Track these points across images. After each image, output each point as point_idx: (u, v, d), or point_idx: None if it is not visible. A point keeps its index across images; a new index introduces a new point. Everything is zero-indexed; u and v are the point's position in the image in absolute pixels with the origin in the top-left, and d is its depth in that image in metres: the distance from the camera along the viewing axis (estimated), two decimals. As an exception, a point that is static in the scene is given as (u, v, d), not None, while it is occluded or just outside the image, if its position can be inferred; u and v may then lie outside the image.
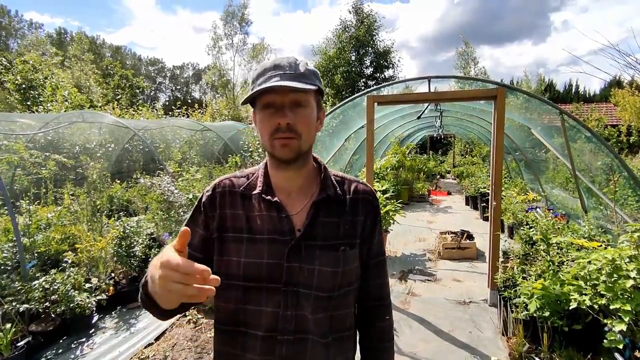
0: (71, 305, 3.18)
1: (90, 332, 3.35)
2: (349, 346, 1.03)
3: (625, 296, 2.10)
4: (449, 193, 11.96)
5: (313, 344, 0.94)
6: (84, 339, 3.22)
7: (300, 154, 0.94)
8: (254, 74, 0.94)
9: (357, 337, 1.10)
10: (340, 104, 4.92)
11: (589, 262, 2.41)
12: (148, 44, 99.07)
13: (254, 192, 0.99)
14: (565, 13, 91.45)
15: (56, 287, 3.21)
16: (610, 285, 2.18)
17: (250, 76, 0.97)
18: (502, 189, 7.58)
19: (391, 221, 5.53)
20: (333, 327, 0.97)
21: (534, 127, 6.09)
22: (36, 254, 3.81)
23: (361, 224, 1.02)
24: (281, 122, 0.88)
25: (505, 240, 4.97)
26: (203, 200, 1.01)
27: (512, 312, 2.96)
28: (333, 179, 1.05)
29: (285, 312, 0.92)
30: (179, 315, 3.59)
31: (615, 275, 2.19)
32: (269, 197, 0.97)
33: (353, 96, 4.74)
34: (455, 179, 15.26)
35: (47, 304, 3.15)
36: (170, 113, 14.47)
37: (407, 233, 6.75)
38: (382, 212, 5.32)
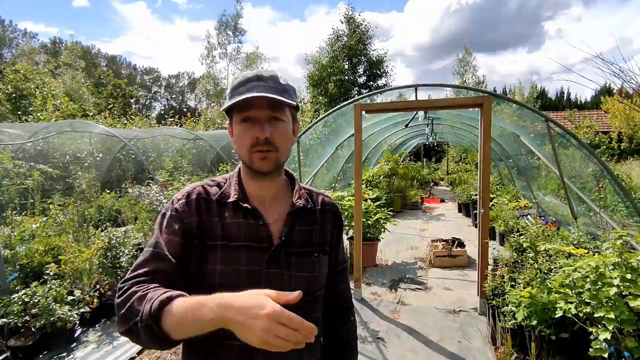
0: (52, 318, 3.10)
1: (72, 346, 3.26)
2: (317, 350, 1.07)
3: (610, 304, 2.08)
4: (442, 200, 11.98)
5: (289, 351, 0.93)
6: (64, 354, 3.14)
7: (278, 166, 0.98)
8: (235, 82, 0.95)
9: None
10: (328, 112, 4.92)
11: (575, 270, 2.40)
12: (143, 53, 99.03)
13: (229, 199, 0.98)
14: (558, 22, 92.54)
15: (37, 300, 3.13)
16: (594, 293, 2.16)
17: (231, 83, 0.97)
18: (494, 196, 7.65)
19: (382, 229, 5.51)
20: None
21: (523, 135, 6.13)
22: (18, 266, 3.74)
23: (329, 233, 1.09)
24: (260, 136, 0.90)
25: (495, 248, 4.96)
26: (177, 207, 0.96)
27: (501, 320, 2.94)
28: (303, 192, 1.09)
29: None
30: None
31: (599, 283, 2.17)
32: (245, 205, 0.97)
33: (341, 104, 4.74)
34: (448, 187, 15.31)
35: (27, 317, 3.07)
36: (163, 122, 14.44)
37: (399, 241, 6.72)
38: (372, 220, 5.29)
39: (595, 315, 2.06)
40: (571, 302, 2.33)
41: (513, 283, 3.22)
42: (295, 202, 1.02)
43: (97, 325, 3.64)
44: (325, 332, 1.16)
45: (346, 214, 5.12)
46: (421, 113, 6.86)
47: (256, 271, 0.93)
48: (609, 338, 1.97)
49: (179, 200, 0.97)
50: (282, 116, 0.94)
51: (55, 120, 10.10)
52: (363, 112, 4.16)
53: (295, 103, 0.96)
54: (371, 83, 22.73)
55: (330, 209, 1.11)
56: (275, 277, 0.94)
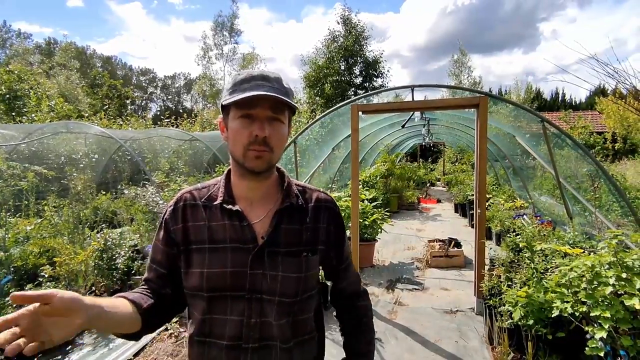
0: (47, 321, 3.08)
1: (67, 349, 3.23)
2: (310, 349, 1.06)
3: (605, 303, 2.09)
4: (439, 201, 12.01)
5: (277, 350, 0.96)
6: (60, 357, 3.11)
7: (270, 167, 0.98)
8: (238, 78, 0.94)
9: (319, 339, 1.12)
10: (325, 113, 4.92)
11: (571, 270, 2.41)
12: (139, 54, 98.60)
13: (215, 202, 1.00)
14: (554, 23, 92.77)
15: (31, 302, 3.10)
16: (590, 292, 2.17)
17: (232, 79, 0.95)
18: (490, 196, 7.68)
19: (379, 230, 5.51)
20: (295, 332, 1.00)
21: (519, 135, 6.17)
22: (12, 269, 3.70)
23: (324, 231, 1.05)
24: (259, 134, 0.90)
25: (491, 248, 4.97)
26: (165, 216, 1.03)
27: (498, 320, 2.95)
28: (295, 188, 1.07)
29: (249, 319, 0.93)
30: (159, 329, 3.50)
31: (595, 282, 2.18)
32: (230, 207, 0.98)
33: (338, 105, 4.75)
34: (445, 187, 15.35)
35: (21, 320, 3.04)
36: (159, 123, 14.40)
37: (396, 242, 6.73)
38: (369, 220, 5.29)
39: (591, 314, 2.07)
40: (567, 302, 2.34)
41: (510, 283, 3.23)
42: (283, 200, 1.01)
43: (92, 328, 3.61)
44: (340, 316, 1.19)
45: (343, 214, 5.11)
46: (418, 114, 6.87)
47: (241, 272, 0.93)
48: (604, 337, 1.98)
49: (169, 207, 1.03)
50: (282, 118, 0.94)
51: (50, 121, 10.03)
52: (360, 113, 4.16)
53: (296, 106, 0.98)
54: (367, 84, 22.79)
55: (326, 205, 1.08)
56: (259, 277, 0.94)
